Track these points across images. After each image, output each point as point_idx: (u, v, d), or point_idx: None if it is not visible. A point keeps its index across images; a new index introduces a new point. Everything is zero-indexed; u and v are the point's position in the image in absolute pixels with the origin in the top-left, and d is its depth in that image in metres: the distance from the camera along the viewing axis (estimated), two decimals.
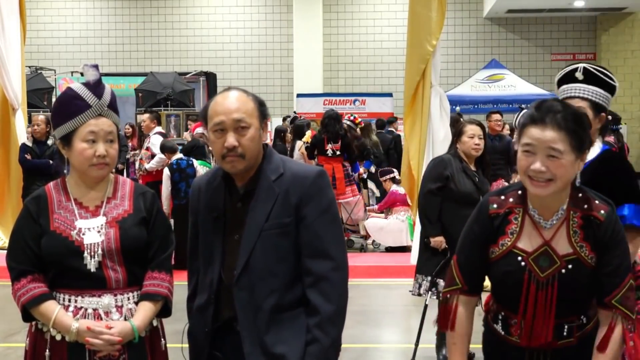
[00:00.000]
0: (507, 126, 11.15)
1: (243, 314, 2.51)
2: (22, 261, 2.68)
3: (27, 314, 2.70)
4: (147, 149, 10.50)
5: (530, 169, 2.37)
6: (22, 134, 10.27)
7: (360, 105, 18.40)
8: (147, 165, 10.30)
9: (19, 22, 10.33)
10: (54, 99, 14.78)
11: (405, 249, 9.76)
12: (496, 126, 10.27)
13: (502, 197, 2.54)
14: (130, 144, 14.06)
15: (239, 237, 2.55)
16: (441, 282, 5.34)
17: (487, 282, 2.65)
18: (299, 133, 11.85)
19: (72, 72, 19.30)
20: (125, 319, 2.68)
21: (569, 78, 3.32)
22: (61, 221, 2.69)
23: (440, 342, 5.51)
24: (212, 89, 18.96)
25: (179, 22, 21.63)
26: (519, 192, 2.52)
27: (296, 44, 20.64)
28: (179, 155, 9.26)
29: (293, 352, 2.47)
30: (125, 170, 13.87)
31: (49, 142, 9.47)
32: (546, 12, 20.62)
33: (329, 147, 10.02)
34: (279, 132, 13.27)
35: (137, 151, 12.73)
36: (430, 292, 5.35)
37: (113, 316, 2.67)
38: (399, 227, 9.89)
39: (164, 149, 9.49)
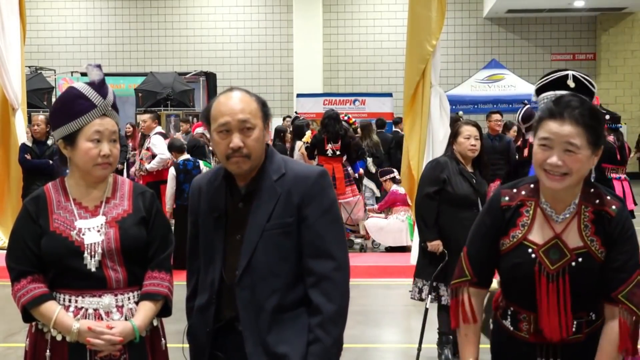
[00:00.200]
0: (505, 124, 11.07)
1: (245, 313, 2.50)
2: (22, 262, 2.68)
3: (28, 315, 2.69)
4: (148, 149, 10.48)
5: (546, 163, 2.40)
6: (22, 134, 10.25)
7: (360, 105, 18.41)
8: (147, 166, 10.28)
9: (19, 22, 10.30)
10: (53, 99, 14.82)
11: (405, 249, 9.75)
12: (496, 126, 10.28)
13: (515, 190, 2.57)
14: (130, 144, 14.04)
15: (241, 237, 2.54)
16: (441, 287, 5.34)
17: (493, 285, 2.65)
18: (298, 133, 11.84)
19: (72, 72, 19.33)
20: (125, 319, 2.68)
21: (557, 85, 3.35)
22: (61, 221, 2.69)
23: (442, 341, 5.51)
24: (212, 89, 18.99)
25: (179, 22, 21.65)
26: (532, 185, 2.55)
27: (296, 44, 20.65)
28: (186, 155, 9.21)
29: (295, 352, 2.47)
30: (125, 170, 13.85)
31: (49, 142, 9.46)
32: (546, 12, 20.64)
33: (329, 147, 10.02)
34: (279, 132, 13.25)
35: (137, 151, 12.71)
36: (430, 296, 5.34)
37: (114, 316, 2.67)
38: (399, 227, 9.88)
39: (172, 148, 9.45)
